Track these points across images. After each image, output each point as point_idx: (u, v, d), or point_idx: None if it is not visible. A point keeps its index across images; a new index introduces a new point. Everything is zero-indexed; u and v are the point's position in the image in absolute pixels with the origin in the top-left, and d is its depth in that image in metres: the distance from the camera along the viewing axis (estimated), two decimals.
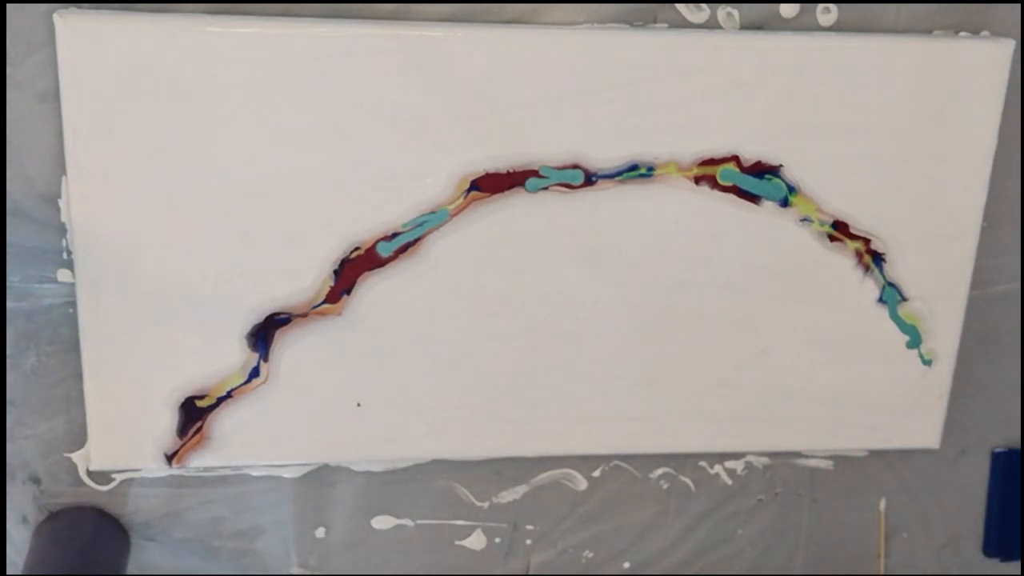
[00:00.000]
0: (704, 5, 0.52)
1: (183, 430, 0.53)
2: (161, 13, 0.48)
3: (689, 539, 0.62)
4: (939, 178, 0.55)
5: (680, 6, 0.52)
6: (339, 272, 0.52)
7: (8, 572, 0.55)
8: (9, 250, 0.51)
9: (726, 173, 0.53)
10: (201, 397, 0.53)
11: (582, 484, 0.60)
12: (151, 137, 0.49)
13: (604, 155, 0.52)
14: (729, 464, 0.61)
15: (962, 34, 0.54)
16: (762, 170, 0.54)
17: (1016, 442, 0.64)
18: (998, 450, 0.63)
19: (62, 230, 0.51)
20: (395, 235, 0.52)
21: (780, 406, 0.58)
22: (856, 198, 0.55)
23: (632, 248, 0.54)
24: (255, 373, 0.53)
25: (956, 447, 0.63)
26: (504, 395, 0.56)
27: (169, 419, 0.53)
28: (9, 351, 0.52)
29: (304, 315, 0.52)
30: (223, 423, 0.54)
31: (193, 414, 0.53)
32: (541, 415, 0.56)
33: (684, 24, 0.52)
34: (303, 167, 0.50)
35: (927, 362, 0.59)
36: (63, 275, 0.51)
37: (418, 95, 0.50)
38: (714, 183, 0.53)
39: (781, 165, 0.54)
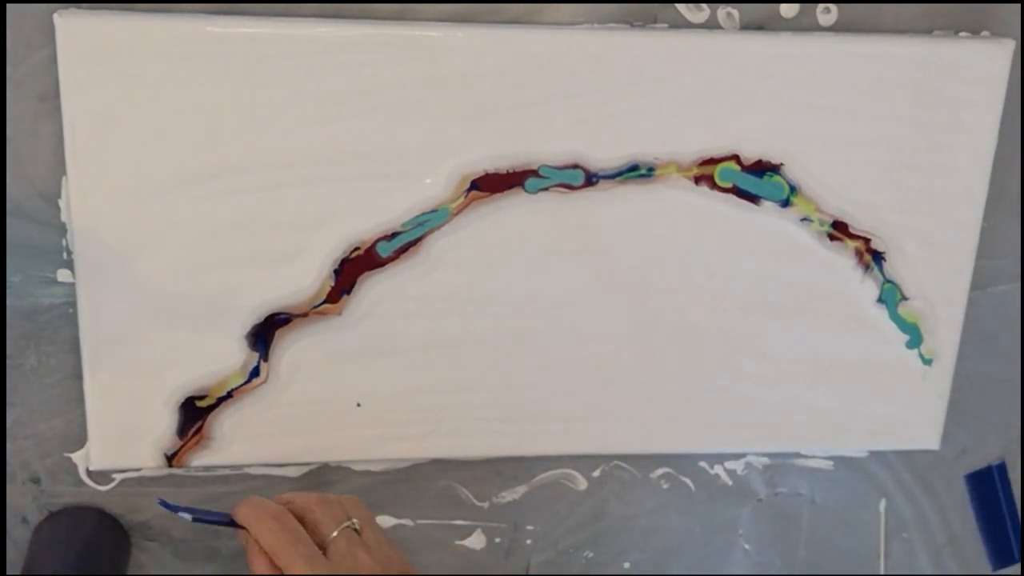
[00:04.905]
0: (704, 5, 0.52)
1: (183, 430, 0.53)
2: (161, 13, 0.48)
3: (689, 539, 0.62)
4: (939, 178, 0.55)
5: (680, 6, 0.52)
6: (339, 272, 0.52)
7: (8, 572, 0.55)
8: (9, 250, 0.51)
9: (725, 172, 0.53)
10: (201, 397, 0.53)
11: (582, 484, 0.60)
12: (151, 137, 0.49)
13: (604, 155, 0.52)
14: (729, 464, 0.61)
15: (962, 34, 0.54)
16: (763, 168, 0.54)
17: (1015, 442, 0.64)
18: (969, 472, 0.63)
19: (62, 230, 0.51)
20: (395, 235, 0.52)
21: (780, 406, 0.58)
22: (856, 198, 0.55)
23: (632, 248, 0.54)
24: (255, 373, 0.53)
25: (956, 447, 0.63)
26: (504, 395, 0.56)
27: (169, 419, 0.53)
28: (9, 351, 0.52)
29: (304, 315, 0.52)
30: (223, 423, 0.53)
31: (193, 414, 0.53)
32: (541, 415, 0.56)
33: (684, 24, 0.52)
34: (303, 167, 0.50)
35: (927, 362, 0.59)
36: (63, 275, 0.51)
37: (418, 95, 0.50)
38: (713, 183, 0.53)
39: (782, 164, 0.54)
